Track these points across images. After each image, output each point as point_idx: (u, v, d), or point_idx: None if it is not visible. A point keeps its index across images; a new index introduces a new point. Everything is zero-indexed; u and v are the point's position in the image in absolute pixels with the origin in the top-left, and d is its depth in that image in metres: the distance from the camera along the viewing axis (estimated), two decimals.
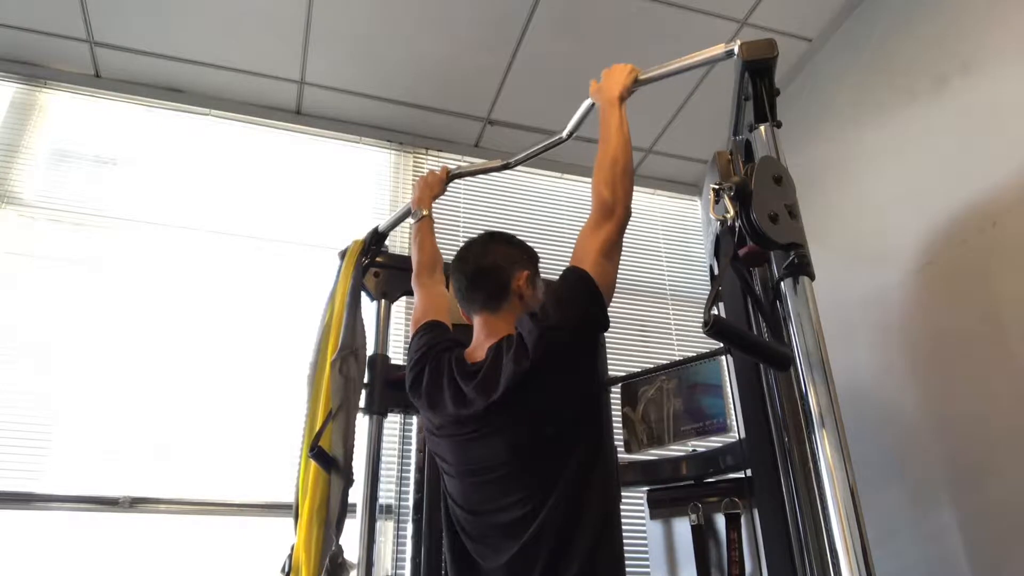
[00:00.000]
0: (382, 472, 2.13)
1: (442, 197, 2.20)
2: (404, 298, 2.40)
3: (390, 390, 2.14)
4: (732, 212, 1.37)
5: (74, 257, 2.77)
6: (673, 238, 3.66)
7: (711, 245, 1.95)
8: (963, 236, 2.26)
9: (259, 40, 2.98)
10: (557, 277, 1.58)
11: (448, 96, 3.29)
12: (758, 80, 1.61)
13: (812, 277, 1.40)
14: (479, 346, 1.61)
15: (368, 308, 2.25)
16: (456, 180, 2.26)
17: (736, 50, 1.61)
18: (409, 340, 1.82)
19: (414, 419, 2.36)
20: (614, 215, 1.56)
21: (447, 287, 1.94)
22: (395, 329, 2.50)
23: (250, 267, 2.96)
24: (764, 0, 2.85)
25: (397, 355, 2.44)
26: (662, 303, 3.48)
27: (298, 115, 3.34)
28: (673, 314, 3.46)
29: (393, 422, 2.53)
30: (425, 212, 2.08)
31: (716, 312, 1.25)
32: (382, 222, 2.37)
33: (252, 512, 2.57)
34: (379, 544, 2.34)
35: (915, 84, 2.54)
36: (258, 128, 3.27)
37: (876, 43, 2.77)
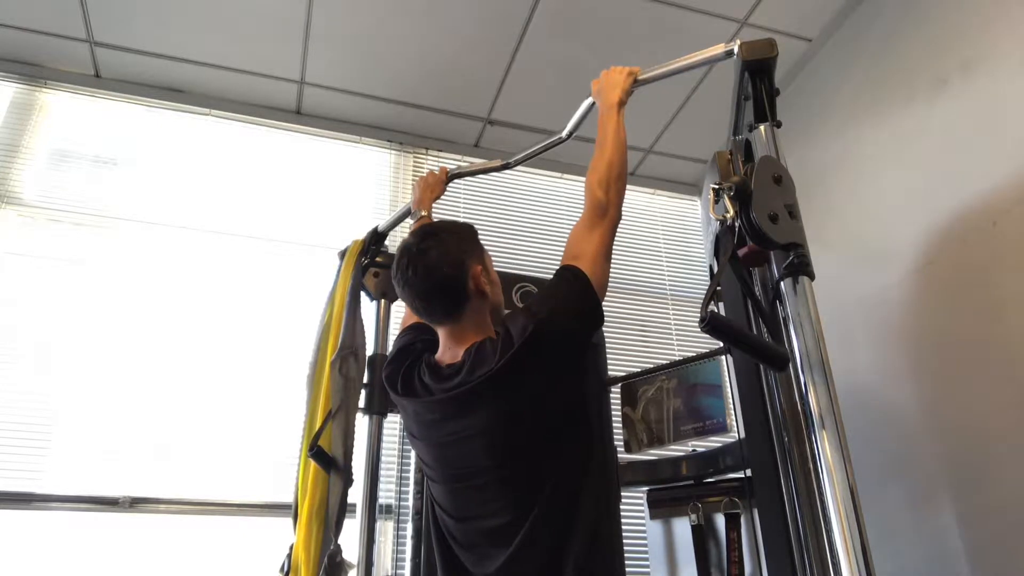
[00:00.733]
0: (382, 472, 2.12)
1: (442, 198, 2.20)
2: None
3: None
4: (732, 212, 1.37)
5: (74, 257, 2.77)
6: (673, 238, 3.66)
7: (711, 245, 1.95)
8: (963, 236, 2.26)
9: (259, 40, 2.98)
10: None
11: (448, 96, 3.29)
12: (758, 80, 1.61)
13: (812, 277, 1.40)
14: (448, 351, 1.54)
15: (368, 308, 2.25)
16: (456, 180, 2.26)
17: (736, 50, 1.62)
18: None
19: None
20: (607, 216, 1.56)
21: None
22: (395, 329, 2.48)
23: (250, 267, 2.96)
24: (764, 0, 2.85)
25: None
26: (662, 303, 3.48)
27: (298, 115, 3.34)
28: (673, 314, 3.46)
29: (393, 422, 2.53)
30: (424, 213, 2.08)
31: (713, 309, 1.25)
32: (382, 222, 2.37)
33: (252, 512, 2.57)
34: (379, 544, 2.34)
35: (915, 84, 2.54)
36: (258, 128, 3.28)
37: (876, 43, 2.77)
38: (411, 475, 2.23)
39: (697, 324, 1.27)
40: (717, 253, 1.86)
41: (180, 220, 2.96)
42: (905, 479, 2.32)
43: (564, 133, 2.06)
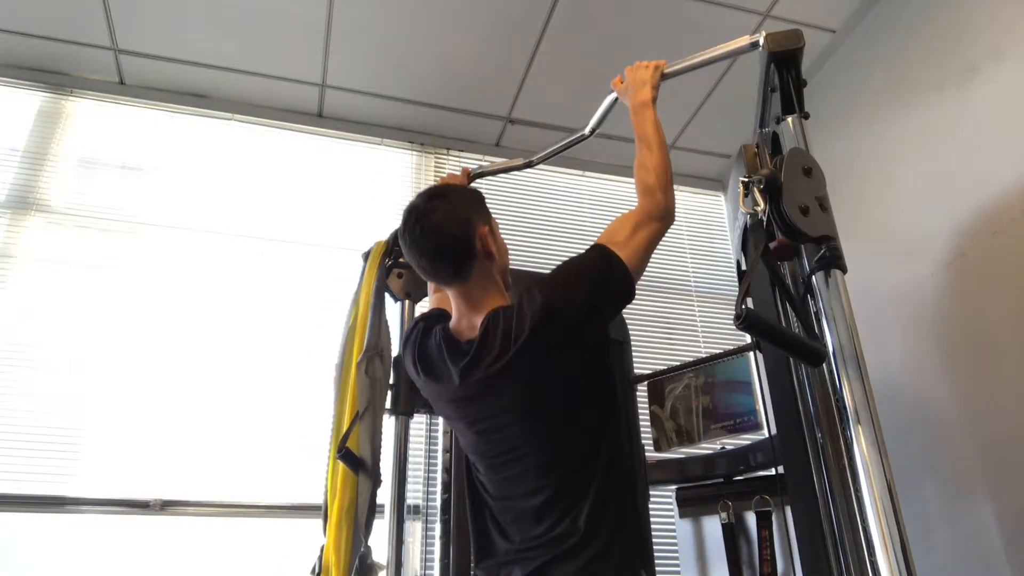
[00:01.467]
0: (409, 472, 2.12)
1: None
2: (427, 298, 2.39)
3: (416, 390, 2.13)
4: (762, 205, 1.35)
5: (102, 263, 2.80)
6: (697, 234, 3.63)
7: (738, 240, 1.93)
8: (994, 227, 2.22)
9: (280, 45, 2.99)
10: None
11: (468, 96, 3.29)
12: (784, 71, 1.59)
13: (844, 270, 1.38)
14: (464, 318, 1.53)
15: (392, 309, 2.25)
16: (478, 180, 2.26)
17: (761, 41, 1.59)
18: None
19: (440, 419, 2.36)
20: (665, 220, 1.52)
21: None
22: None
23: (276, 270, 2.97)
24: None
25: None
26: (687, 299, 3.45)
27: (320, 118, 3.36)
28: (698, 310, 3.43)
29: (419, 422, 2.53)
30: None
31: (747, 306, 1.23)
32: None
33: (282, 514, 2.58)
34: (407, 544, 2.34)
35: (944, 73, 2.49)
36: (280, 132, 3.30)
37: (903, 32, 2.73)
38: (438, 475, 2.22)
39: (722, 320, 1.25)
40: (745, 248, 1.84)
41: (205, 224, 2.98)
42: (940, 475, 2.28)
43: (586, 130, 2.04)
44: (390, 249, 2.28)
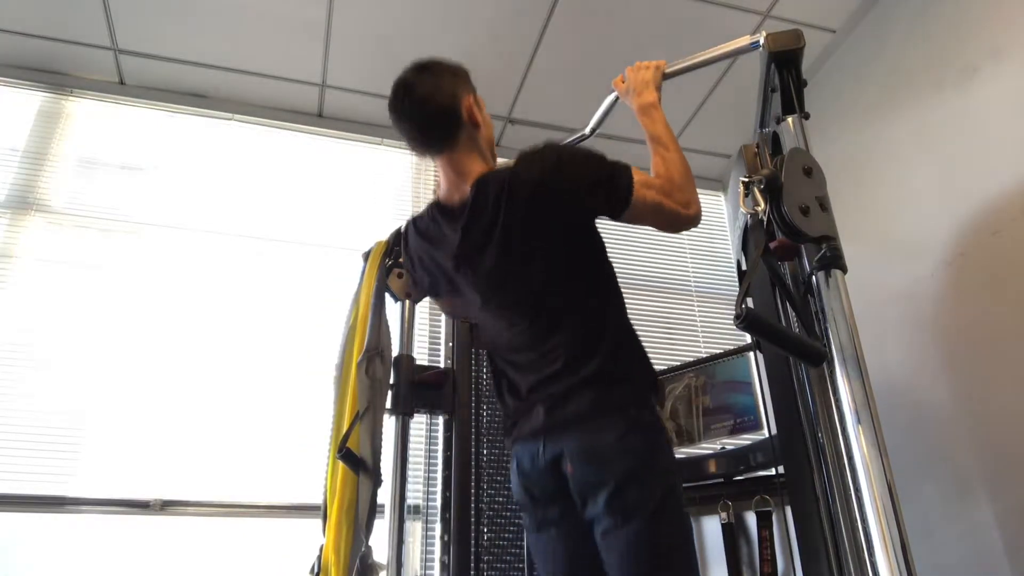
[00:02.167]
0: (409, 472, 2.12)
1: None
2: (428, 299, 2.39)
3: (416, 390, 2.13)
4: (762, 205, 1.35)
5: (102, 263, 2.80)
6: (698, 234, 3.62)
7: (738, 240, 1.93)
8: (995, 227, 2.22)
9: (281, 45, 2.99)
10: None
11: None
12: (785, 71, 1.59)
13: (844, 270, 1.38)
14: (454, 187, 1.60)
15: (392, 309, 2.25)
16: None
17: (762, 41, 1.59)
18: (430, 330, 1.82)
19: (440, 419, 2.36)
20: (690, 220, 1.53)
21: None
22: (419, 329, 2.50)
23: (276, 270, 2.97)
24: None
25: (422, 356, 2.44)
26: (687, 299, 3.45)
27: (320, 118, 3.36)
28: (698, 310, 3.43)
29: (419, 422, 2.53)
30: None
31: (747, 306, 1.23)
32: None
33: (281, 514, 2.58)
34: (407, 544, 2.34)
35: (944, 73, 2.49)
36: (280, 132, 3.30)
37: (902, 31, 2.73)
38: (438, 475, 2.22)
39: (722, 320, 1.26)
40: (745, 248, 1.84)
41: (205, 224, 2.98)
42: (940, 475, 2.28)
43: (587, 130, 2.04)
44: (390, 249, 2.28)
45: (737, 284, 2.68)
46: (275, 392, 2.74)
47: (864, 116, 2.86)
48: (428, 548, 2.52)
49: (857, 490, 1.28)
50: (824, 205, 1.38)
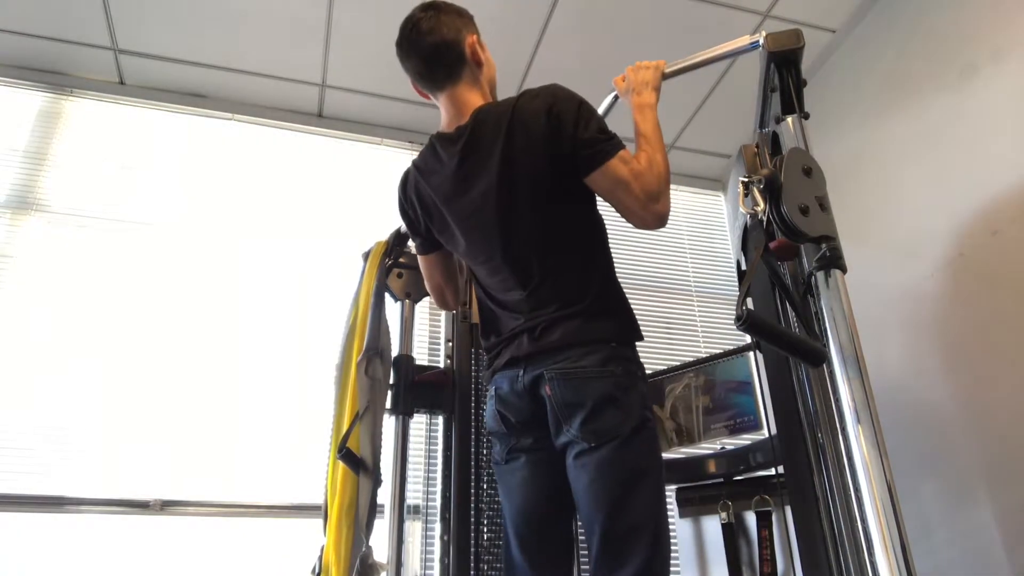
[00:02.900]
0: (409, 472, 2.12)
1: None
2: (428, 298, 2.39)
3: (416, 390, 2.14)
4: (762, 205, 1.35)
5: (102, 262, 2.80)
6: (697, 234, 3.63)
7: (738, 240, 1.93)
8: (995, 227, 2.22)
9: (281, 45, 2.99)
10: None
11: None
12: (784, 71, 1.59)
13: (844, 270, 1.38)
14: (453, 120, 1.65)
15: (392, 309, 2.25)
16: None
17: (761, 41, 1.59)
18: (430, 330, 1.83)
19: (440, 419, 2.36)
20: (655, 216, 1.51)
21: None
22: (419, 329, 2.50)
23: (275, 270, 2.97)
24: None
25: (422, 355, 2.44)
26: (687, 299, 3.46)
27: (320, 118, 3.36)
28: (698, 310, 3.43)
29: (419, 422, 2.53)
30: None
31: (748, 307, 1.23)
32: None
33: (282, 514, 2.58)
34: (407, 544, 2.34)
35: (944, 73, 2.49)
36: (281, 132, 3.30)
37: (902, 31, 2.73)
38: (438, 475, 2.22)
39: (722, 320, 1.27)
40: (745, 248, 1.84)
41: (205, 224, 2.98)
42: (940, 475, 2.28)
43: None
44: (390, 249, 2.28)
45: (737, 284, 2.68)
46: (275, 392, 2.73)
47: (864, 116, 2.86)
48: (428, 548, 2.52)
49: (857, 490, 1.28)
50: (824, 205, 1.38)
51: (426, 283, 1.91)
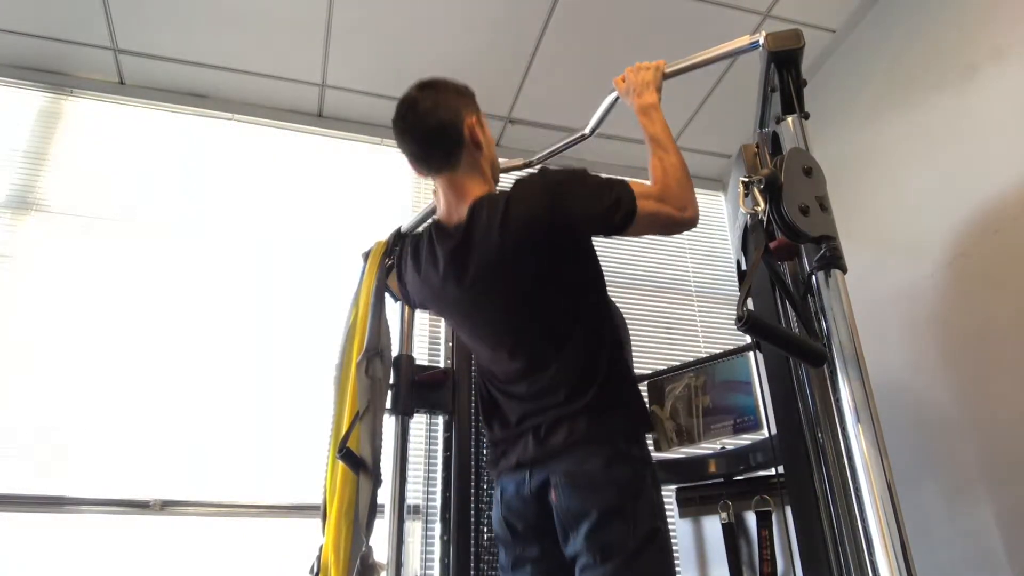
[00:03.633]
0: (409, 472, 2.12)
1: None
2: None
3: (416, 390, 2.13)
4: (762, 205, 1.35)
5: (102, 263, 2.80)
6: (697, 234, 3.62)
7: (738, 240, 1.93)
8: (996, 226, 2.22)
9: (280, 45, 2.99)
10: None
11: None
12: (784, 71, 1.59)
13: (844, 270, 1.37)
14: (452, 208, 1.58)
15: (392, 309, 2.25)
16: None
17: (761, 41, 1.59)
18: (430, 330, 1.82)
19: (440, 419, 2.36)
20: (687, 213, 1.52)
21: None
22: (419, 329, 2.49)
23: (276, 270, 2.97)
24: None
25: (421, 355, 2.44)
26: (687, 299, 3.45)
27: (320, 118, 3.36)
28: (698, 310, 3.43)
29: (419, 422, 2.53)
30: None
31: (748, 307, 1.23)
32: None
33: (281, 514, 2.59)
34: (407, 544, 2.34)
35: (944, 72, 2.49)
36: (281, 132, 3.30)
37: (902, 31, 2.73)
38: (438, 475, 2.22)
39: (722, 320, 1.26)
40: (745, 248, 1.84)
41: (205, 224, 2.98)
42: (940, 475, 2.28)
43: (587, 130, 2.04)
44: (390, 249, 2.28)
45: (737, 284, 2.68)
46: (275, 392, 2.73)
47: (864, 116, 2.86)
48: (428, 548, 2.52)
49: (857, 490, 1.28)
50: (824, 205, 1.38)
51: None
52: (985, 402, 2.18)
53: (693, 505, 2.10)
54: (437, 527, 2.12)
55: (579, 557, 1.37)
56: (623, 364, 1.55)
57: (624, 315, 1.99)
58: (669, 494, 2.19)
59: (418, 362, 2.22)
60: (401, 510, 2.01)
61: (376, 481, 1.85)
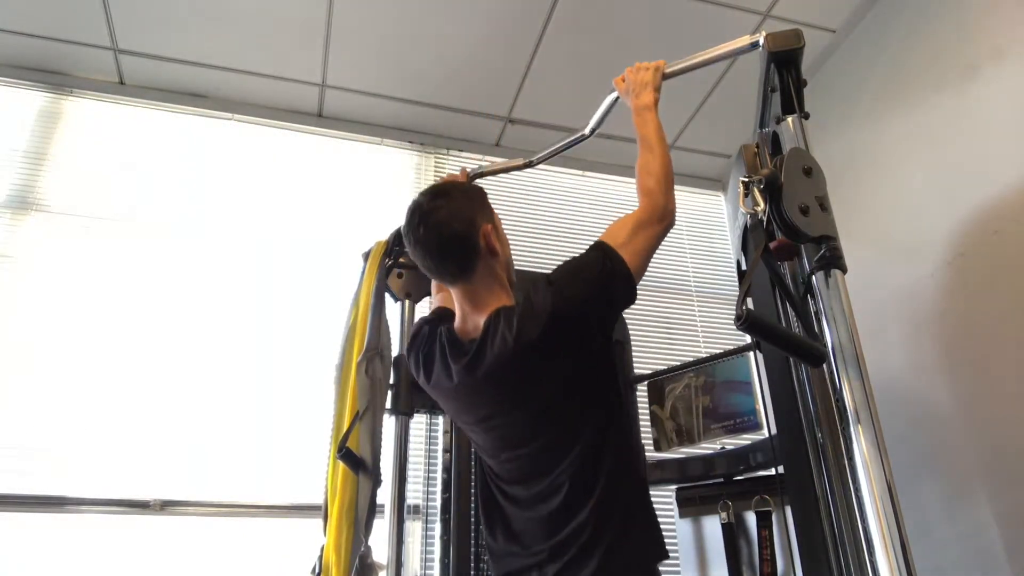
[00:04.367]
0: (409, 472, 2.12)
1: None
2: (428, 298, 2.39)
3: (416, 390, 2.13)
4: (762, 205, 1.35)
5: (101, 263, 2.80)
6: (697, 234, 3.63)
7: (738, 240, 1.93)
8: (996, 227, 2.21)
9: (280, 44, 2.99)
10: None
11: (468, 96, 3.29)
12: (784, 71, 1.59)
13: (844, 270, 1.38)
14: (468, 318, 1.53)
15: (392, 309, 2.25)
16: (477, 180, 2.25)
17: (761, 41, 1.59)
18: None
19: (440, 419, 2.36)
20: (665, 221, 1.51)
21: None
22: None
23: (276, 270, 2.97)
24: None
25: None
26: (687, 299, 3.46)
27: (320, 118, 3.36)
28: (698, 310, 3.43)
29: (419, 422, 2.53)
30: None
31: (747, 307, 1.23)
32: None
33: (282, 514, 2.59)
34: (407, 544, 2.34)
35: (944, 72, 2.49)
36: (281, 132, 3.30)
37: (902, 31, 2.73)
38: (438, 475, 2.22)
39: (722, 320, 1.26)
40: (745, 248, 1.84)
41: (205, 224, 2.99)
42: (940, 475, 2.28)
43: (587, 130, 2.04)
44: (390, 249, 2.28)
45: (737, 284, 2.68)
46: (275, 392, 2.73)
47: (863, 116, 2.86)
48: (428, 548, 2.52)
49: (857, 490, 1.28)
50: (824, 205, 1.38)
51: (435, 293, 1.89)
52: (985, 402, 2.18)
53: (693, 505, 2.10)
54: (437, 527, 2.12)
55: None
56: (638, 484, 1.52)
57: (624, 315, 1.99)
58: (669, 494, 2.19)
59: None
60: (401, 510, 2.00)
61: (376, 481, 1.85)
